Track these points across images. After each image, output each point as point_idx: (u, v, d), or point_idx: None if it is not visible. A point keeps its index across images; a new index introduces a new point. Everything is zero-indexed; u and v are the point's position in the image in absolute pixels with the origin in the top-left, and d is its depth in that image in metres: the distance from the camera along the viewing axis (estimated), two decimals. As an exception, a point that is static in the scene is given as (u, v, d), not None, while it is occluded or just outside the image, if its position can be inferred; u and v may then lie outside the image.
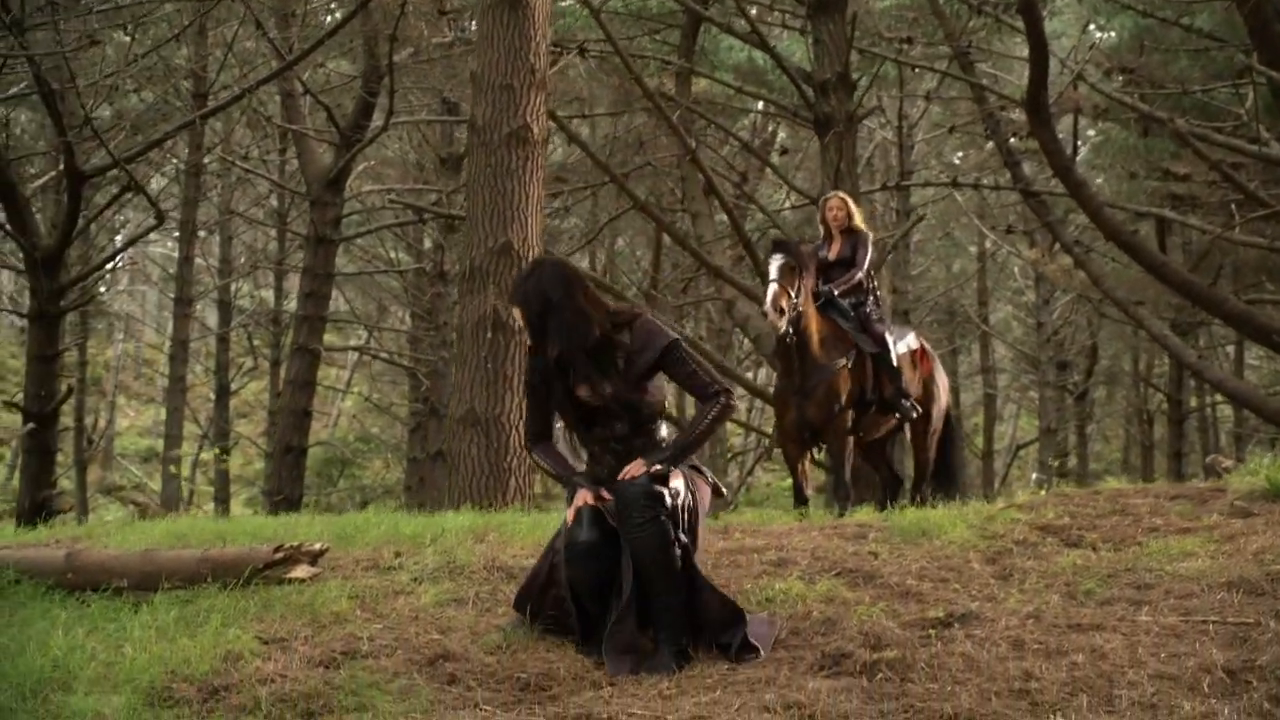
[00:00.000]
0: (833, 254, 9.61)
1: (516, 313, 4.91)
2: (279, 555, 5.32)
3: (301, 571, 5.35)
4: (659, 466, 4.75)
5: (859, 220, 9.69)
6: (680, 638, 4.69)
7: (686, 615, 4.73)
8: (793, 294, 8.76)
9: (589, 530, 4.74)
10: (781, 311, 8.73)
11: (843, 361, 8.93)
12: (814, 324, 9.01)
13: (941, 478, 10.01)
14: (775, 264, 8.91)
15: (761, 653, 4.58)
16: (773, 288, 8.78)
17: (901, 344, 9.44)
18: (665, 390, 5.07)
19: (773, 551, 5.89)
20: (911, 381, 9.42)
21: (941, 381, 10.03)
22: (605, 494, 4.81)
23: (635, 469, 4.74)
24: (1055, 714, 3.82)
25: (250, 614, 4.99)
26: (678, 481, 4.78)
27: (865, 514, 7.41)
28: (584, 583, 4.76)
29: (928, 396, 9.68)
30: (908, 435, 9.98)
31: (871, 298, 9.49)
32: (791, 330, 8.92)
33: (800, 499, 9.04)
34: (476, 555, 5.85)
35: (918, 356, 9.59)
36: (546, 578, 4.91)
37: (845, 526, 6.59)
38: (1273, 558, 5.35)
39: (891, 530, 6.32)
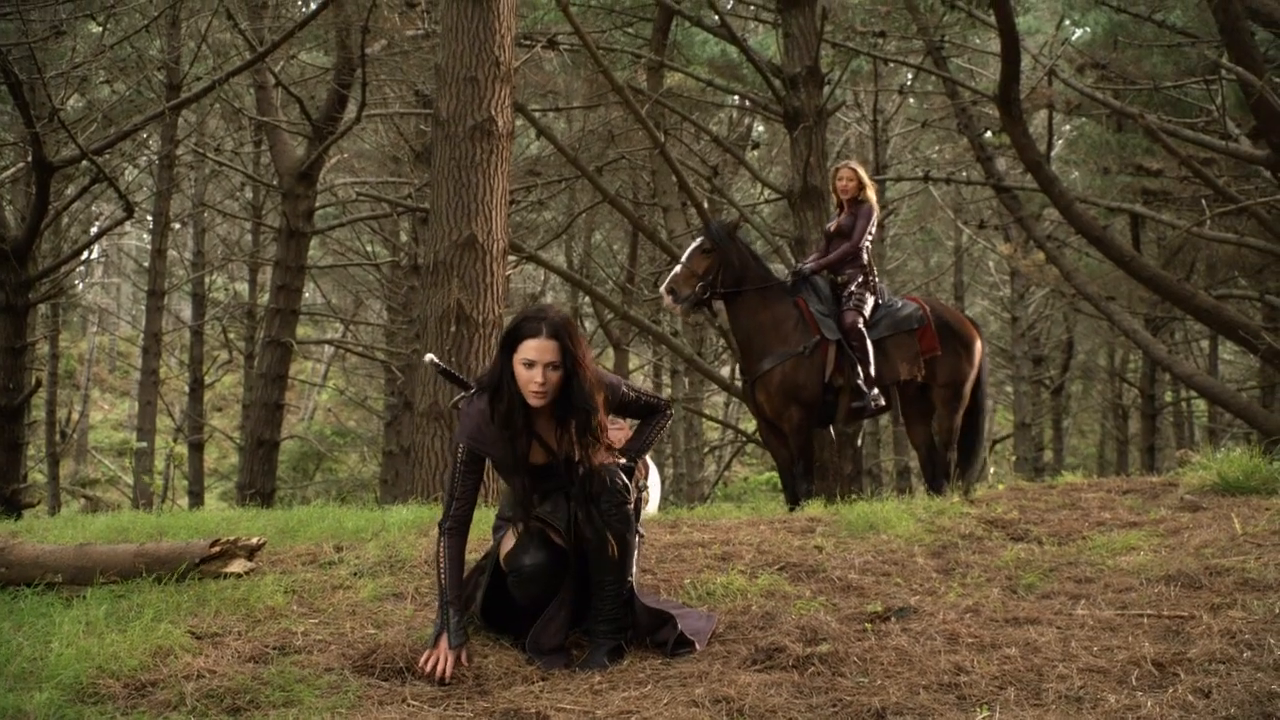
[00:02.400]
0: (834, 226, 9.44)
1: (544, 346, 4.50)
2: (215, 550, 5.27)
3: (238, 566, 5.31)
4: (623, 460, 4.74)
5: (869, 192, 9.42)
6: (621, 631, 4.65)
7: (627, 612, 4.71)
8: (701, 276, 8.64)
9: (535, 553, 4.65)
10: (673, 293, 8.64)
11: (799, 349, 8.76)
12: (758, 307, 8.84)
13: (961, 456, 9.52)
14: (691, 246, 8.83)
15: (697, 647, 4.54)
16: (675, 270, 8.70)
17: (885, 325, 9.08)
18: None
19: (718, 545, 5.86)
20: (901, 364, 9.04)
21: (965, 354, 9.32)
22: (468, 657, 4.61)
23: (604, 457, 4.66)
24: (981, 707, 3.80)
25: (184, 609, 4.94)
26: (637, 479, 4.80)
27: (815, 508, 7.39)
28: (532, 599, 4.67)
29: (944, 372, 9.18)
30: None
31: (862, 277, 9.20)
32: (710, 313, 8.82)
33: (792, 495, 8.82)
34: (419, 550, 5.81)
35: (917, 335, 9.12)
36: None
37: (794, 520, 6.56)
38: (1213, 552, 5.35)
39: (839, 524, 6.30)
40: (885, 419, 22.24)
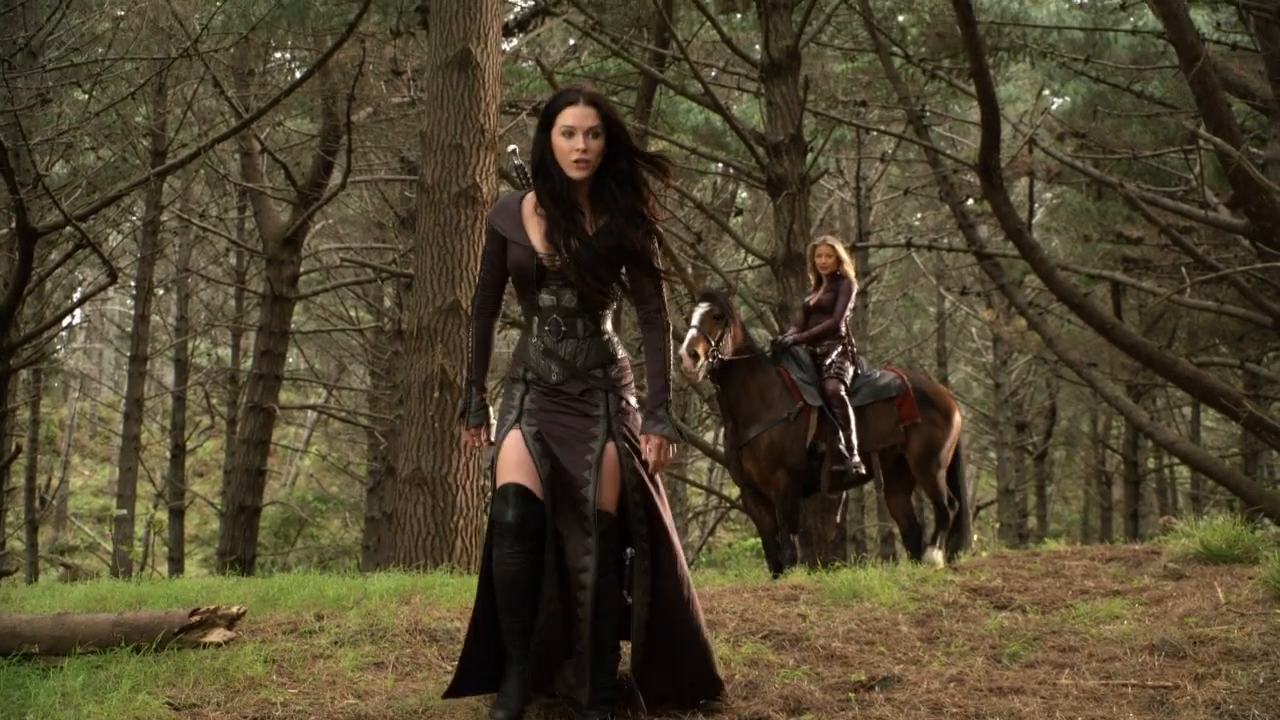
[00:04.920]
0: (814, 300, 9.58)
1: (584, 113, 4.34)
2: (195, 619, 5.23)
3: (218, 635, 5.26)
4: (670, 435, 4.49)
5: (847, 266, 9.58)
6: (610, 704, 4.41)
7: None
8: (713, 343, 8.74)
9: (515, 508, 4.37)
10: (696, 357, 8.71)
11: (784, 415, 8.84)
12: (746, 375, 8.94)
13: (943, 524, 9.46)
14: (699, 312, 8.90)
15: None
16: (691, 333, 8.78)
17: (866, 393, 9.20)
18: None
19: (702, 613, 5.83)
20: (883, 432, 9.13)
21: (943, 423, 9.36)
22: (487, 437, 4.66)
23: (660, 453, 4.48)
24: (966, 781, 3.77)
25: (162, 679, 4.89)
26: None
27: (799, 575, 7.36)
28: (511, 579, 4.35)
29: (920, 440, 9.23)
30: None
31: (841, 347, 9.32)
32: (714, 382, 8.91)
33: (775, 562, 8.83)
34: (400, 618, 5.76)
35: (896, 403, 9.23)
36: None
37: (778, 588, 6.54)
38: (1197, 621, 5.34)
39: (823, 592, 6.27)
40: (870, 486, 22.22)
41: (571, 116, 4.34)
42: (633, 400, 4.59)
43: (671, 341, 4.62)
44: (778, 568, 8.66)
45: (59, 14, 12.55)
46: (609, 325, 4.57)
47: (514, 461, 4.42)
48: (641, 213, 4.45)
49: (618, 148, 4.43)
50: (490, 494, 4.55)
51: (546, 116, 4.42)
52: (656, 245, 4.52)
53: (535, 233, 4.47)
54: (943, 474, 9.36)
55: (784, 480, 8.80)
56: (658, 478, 4.61)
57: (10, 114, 12.43)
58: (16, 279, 13.70)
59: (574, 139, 4.33)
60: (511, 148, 5.09)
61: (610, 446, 4.44)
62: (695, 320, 8.86)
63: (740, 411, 8.95)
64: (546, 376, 4.51)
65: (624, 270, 4.51)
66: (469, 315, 10.33)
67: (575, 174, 4.37)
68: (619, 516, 4.44)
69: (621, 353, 4.59)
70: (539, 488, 4.37)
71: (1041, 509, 30.31)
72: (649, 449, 4.48)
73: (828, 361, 9.21)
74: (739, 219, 22.05)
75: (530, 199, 4.54)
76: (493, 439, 4.61)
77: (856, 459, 8.92)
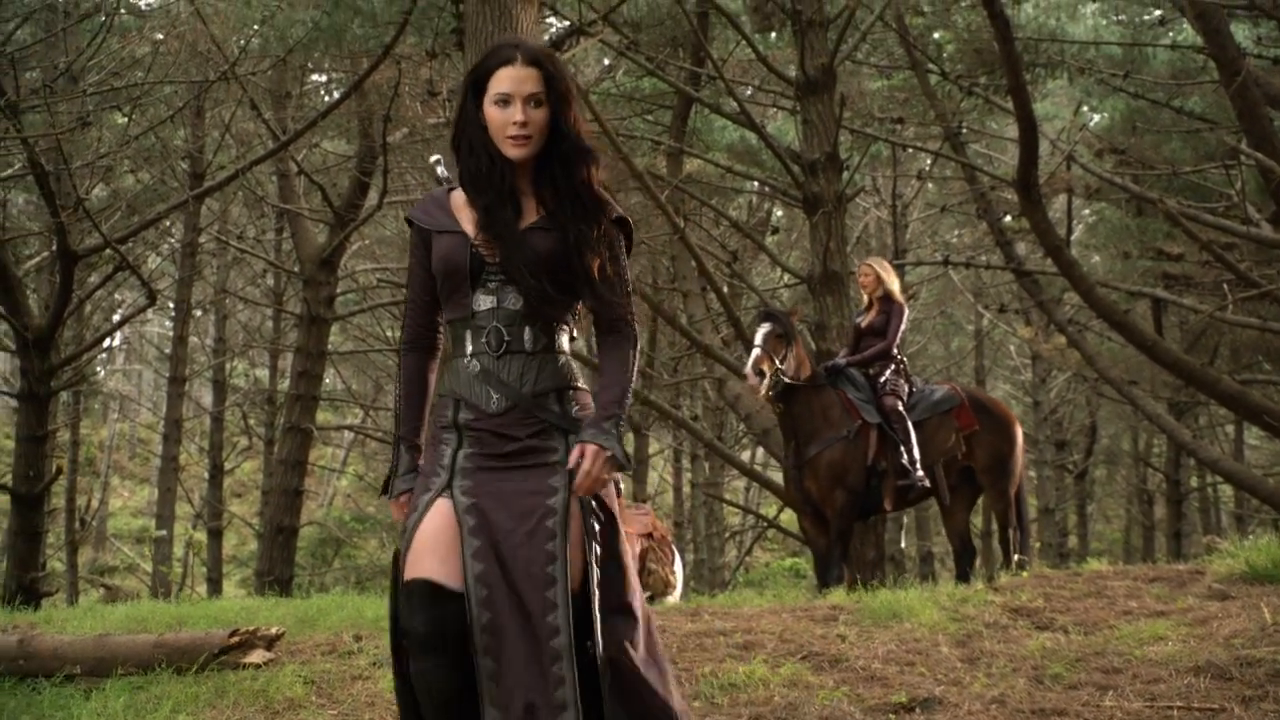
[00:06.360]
0: (865, 322, 9.65)
1: (522, 75, 3.38)
2: (234, 640, 5.23)
3: (257, 656, 5.26)
4: (611, 450, 3.36)
5: (894, 288, 9.64)
6: None
7: None
8: (777, 361, 8.77)
9: (423, 611, 3.28)
10: (761, 375, 8.74)
11: (843, 433, 8.90)
12: (809, 395, 9.00)
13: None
14: (762, 331, 8.96)
15: None
16: (756, 352, 8.83)
17: (922, 408, 9.29)
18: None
19: (740, 634, 5.79)
20: (944, 445, 9.22)
21: (1004, 432, 9.44)
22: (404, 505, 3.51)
23: (593, 465, 3.33)
24: (1013, 805, 3.72)
25: (202, 701, 4.89)
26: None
27: (838, 595, 7.31)
28: (442, 700, 3.30)
29: (984, 449, 9.31)
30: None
31: (893, 367, 9.41)
32: (778, 401, 8.94)
33: (824, 580, 8.87)
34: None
35: (953, 415, 9.34)
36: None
37: (816, 608, 6.49)
38: (1243, 642, 5.25)
39: (862, 612, 6.22)
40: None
41: (507, 80, 3.38)
42: None
43: (637, 356, 3.58)
44: (826, 586, 8.66)
45: (99, 39, 12.66)
46: (566, 343, 3.54)
47: (428, 545, 3.32)
48: (594, 202, 3.47)
49: (564, 118, 3.44)
50: (392, 583, 3.49)
51: (476, 80, 3.46)
52: (619, 243, 3.55)
53: (469, 221, 3.48)
54: (1013, 487, 9.38)
55: (842, 499, 8.87)
56: (624, 540, 3.50)
57: (52, 138, 12.56)
58: (57, 301, 13.82)
59: (510, 109, 3.37)
60: (435, 157, 4.21)
61: (575, 507, 3.36)
62: (759, 339, 8.91)
63: (802, 430, 9.04)
64: (483, 405, 3.42)
65: (576, 274, 3.44)
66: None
67: (512, 153, 3.40)
68: (581, 592, 3.32)
69: (582, 381, 3.57)
70: (458, 577, 3.28)
71: (1082, 528, 30.05)
72: (579, 456, 3.35)
73: (882, 379, 9.31)
74: (774, 237, 21.99)
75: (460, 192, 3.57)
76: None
77: (920, 473, 8.97)
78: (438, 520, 3.33)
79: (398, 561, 3.40)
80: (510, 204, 3.43)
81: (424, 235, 3.53)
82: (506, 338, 3.42)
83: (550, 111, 3.40)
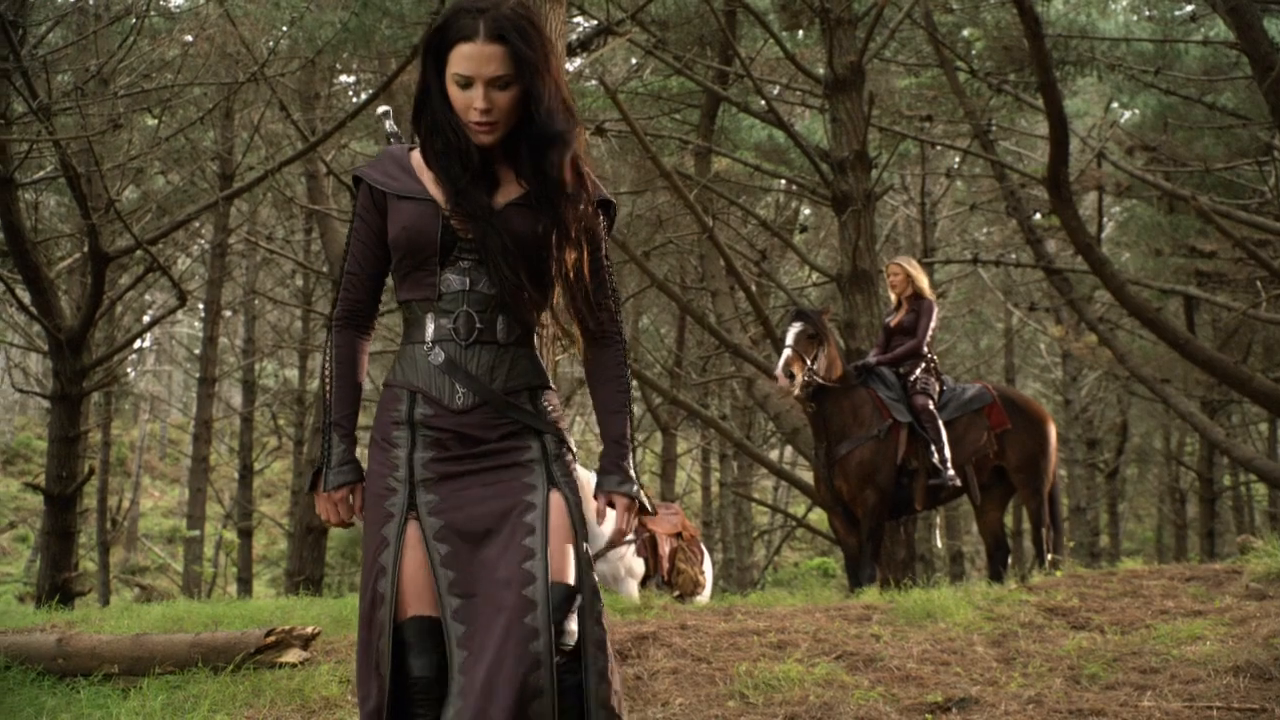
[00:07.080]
0: (895, 321, 9.63)
1: (484, 53, 2.89)
2: (270, 639, 5.24)
3: (293, 656, 5.27)
4: (634, 493, 3.14)
5: (924, 286, 9.62)
6: None
7: None
8: (808, 361, 8.74)
9: (423, 656, 2.93)
10: (792, 376, 8.72)
11: (874, 433, 8.88)
12: (840, 394, 8.98)
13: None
14: (793, 331, 8.93)
15: None
16: (786, 352, 8.81)
17: (953, 407, 9.27)
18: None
19: (774, 634, 5.77)
20: (975, 444, 9.22)
21: (1037, 431, 9.47)
22: (359, 505, 3.11)
23: (626, 519, 3.15)
24: (1054, 806, 3.69)
25: (239, 700, 4.90)
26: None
27: (871, 595, 7.28)
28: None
29: (1015, 449, 9.32)
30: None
31: (923, 366, 9.40)
32: (811, 400, 8.91)
33: (856, 580, 8.86)
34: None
35: (985, 413, 9.35)
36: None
37: (850, 608, 6.47)
38: (1284, 641, 5.21)
39: (895, 612, 6.20)
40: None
41: (466, 60, 2.91)
42: (572, 446, 3.16)
43: (629, 367, 3.22)
44: (858, 585, 8.64)
45: (130, 41, 12.71)
46: (536, 339, 3.18)
47: (419, 586, 2.96)
48: (574, 189, 3.05)
49: (535, 96, 2.96)
50: (364, 629, 2.99)
51: (436, 50, 2.99)
52: (600, 233, 3.15)
53: (435, 187, 3.04)
54: (1046, 486, 9.36)
55: (872, 498, 8.86)
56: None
57: (83, 140, 12.63)
58: (89, 303, 13.89)
59: (471, 91, 2.92)
60: (383, 109, 3.70)
61: (556, 497, 3.01)
62: (790, 339, 8.89)
63: (832, 429, 9.03)
64: (445, 401, 3.03)
65: (554, 265, 3.05)
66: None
67: (480, 139, 2.98)
68: (575, 588, 2.97)
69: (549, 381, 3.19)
70: (436, 606, 2.96)
71: (1114, 527, 29.87)
72: (610, 509, 3.15)
73: (912, 378, 9.28)
74: (803, 236, 21.96)
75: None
76: (356, 505, 3.13)
77: (951, 472, 8.95)
78: (419, 555, 2.95)
79: (374, 602, 2.96)
80: (483, 184, 3.02)
81: (378, 198, 3.07)
82: (479, 325, 3.03)
83: (520, 89, 2.95)
